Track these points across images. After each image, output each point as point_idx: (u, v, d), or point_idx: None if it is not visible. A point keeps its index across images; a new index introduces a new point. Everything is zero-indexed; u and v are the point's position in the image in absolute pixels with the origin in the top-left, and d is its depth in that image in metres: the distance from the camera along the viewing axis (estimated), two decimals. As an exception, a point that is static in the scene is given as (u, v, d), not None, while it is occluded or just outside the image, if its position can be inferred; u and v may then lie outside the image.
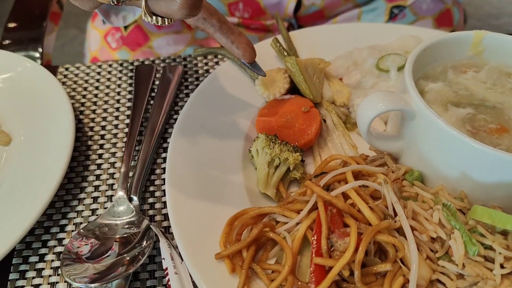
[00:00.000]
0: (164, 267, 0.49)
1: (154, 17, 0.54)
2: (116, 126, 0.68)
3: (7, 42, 0.92)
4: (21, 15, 1.05)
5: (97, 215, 0.57)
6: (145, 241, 0.49)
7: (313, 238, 0.43)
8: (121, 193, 0.56)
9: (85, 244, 0.50)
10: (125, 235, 0.49)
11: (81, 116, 0.71)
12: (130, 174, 0.59)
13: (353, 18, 1.14)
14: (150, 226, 0.51)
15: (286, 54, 0.67)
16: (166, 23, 0.55)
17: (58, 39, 1.17)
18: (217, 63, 0.78)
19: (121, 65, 0.79)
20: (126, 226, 0.51)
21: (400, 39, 0.74)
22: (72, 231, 0.55)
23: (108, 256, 0.47)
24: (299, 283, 0.43)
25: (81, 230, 0.52)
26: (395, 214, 0.46)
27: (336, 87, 0.63)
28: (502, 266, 0.41)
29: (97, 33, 1.14)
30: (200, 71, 0.77)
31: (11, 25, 0.97)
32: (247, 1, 1.06)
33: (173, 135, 0.59)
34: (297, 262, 0.45)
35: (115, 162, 0.63)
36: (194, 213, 0.51)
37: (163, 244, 0.50)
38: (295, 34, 0.75)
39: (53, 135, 0.61)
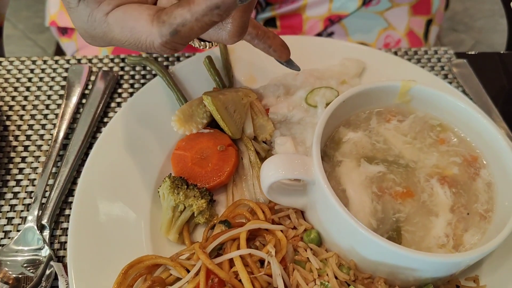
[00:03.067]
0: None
1: (202, 43, 0.56)
2: (41, 137, 0.68)
3: None
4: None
5: (9, 237, 0.58)
6: (44, 281, 0.51)
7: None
8: (31, 224, 0.56)
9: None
10: (20, 276, 0.51)
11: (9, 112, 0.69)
12: (47, 194, 0.60)
13: (325, 0, 1.09)
14: (51, 263, 0.53)
15: (217, 77, 0.65)
16: (213, 46, 0.57)
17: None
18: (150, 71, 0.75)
19: (56, 62, 0.76)
20: (26, 264, 0.52)
21: (343, 63, 0.71)
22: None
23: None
24: None
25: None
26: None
27: (260, 121, 0.61)
28: None
29: None
30: (137, 76, 0.74)
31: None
32: None
33: (88, 161, 0.58)
34: (177, 323, 0.47)
35: (35, 179, 0.63)
36: (93, 255, 0.52)
37: (61, 283, 0.52)
38: (235, 46, 0.72)
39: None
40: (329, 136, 0.57)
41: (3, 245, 0.56)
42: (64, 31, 1.07)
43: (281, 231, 0.52)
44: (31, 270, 0.52)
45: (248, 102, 0.61)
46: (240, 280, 0.46)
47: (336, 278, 0.48)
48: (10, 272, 0.51)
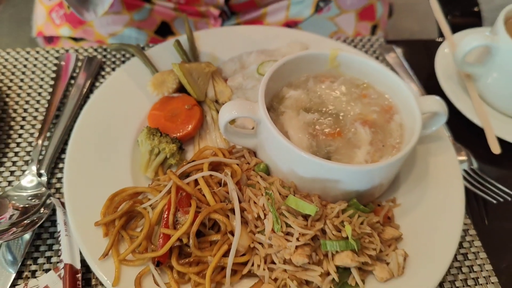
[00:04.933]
0: (58, 230, 0.63)
1: None
2: (36, 110, 0.80)
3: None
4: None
5: (12, 185, 0.70)
6: (43, 209, 0.63)
7: (164, 214, 0.57)
8: (33, 168, 0.69)
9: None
10: (27, 205, 0.63)
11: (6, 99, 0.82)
12: (43, 152, 0.72)
13: (283, 9, 1.24)
14: (50, 197, 0.64)
15: (185, 56, 0.79)
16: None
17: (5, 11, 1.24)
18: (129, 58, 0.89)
19: (47, 52, 0.89)
20: (30, 198, 0.64)
21: (289, 45, 0.86)
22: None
23: (10, 219, 0.61)
24: (152, 246, 0.58)
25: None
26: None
27: (220, 87, 0.75)
28: (298, 240, 0.56)
29: (43, 8, 1.21)
30: (118, 62, 0.88)
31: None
32: None
33: (78, 120, 0.71)
34: (153, 231, 0.59)
35: (32, 141, 0.76)
36: (85, 189, 0.64)
37: (59, 212, 0.63)
38: (200, 34, 0.87)
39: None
40: (274, 94, 0.71)
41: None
42: (50, 39, 1.20)
43: (237, 164, 0.65)
44: (35, 201, 0.63)
45: (209, 72, 0.75)
46: (203, 195, 0.59)
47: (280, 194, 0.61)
48: (18, 204, 0.63)
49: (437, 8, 0.96)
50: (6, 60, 0.87)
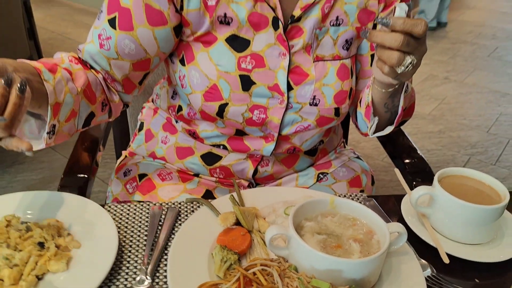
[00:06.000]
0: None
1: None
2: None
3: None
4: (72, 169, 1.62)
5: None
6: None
7: (237, 292, 0.94)
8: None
9: None
10: None
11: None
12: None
13: (293, 179, 1.67)
14: None
15: (237, 204, 1.24)
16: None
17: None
18: (198, 207, 1.33)
19: (141, 205, 1.33)
20: None
21: (302, 197, 1.31)
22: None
23: None
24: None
25: None
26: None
27: (261, 222, 1.17)
28: (319, 305, 0.91)
29: (119, 182, 1.68)
30: (189, 210, 1.31)
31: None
32: (223, 168, 1.50)
33: (173, 242, 1.11)
34: (229, 304, 0.94)
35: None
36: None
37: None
38: (246, 192, 1.32)
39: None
40: (297, 224, 1.12)
41: None
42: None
43: (278, 266, 1.03)
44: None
45: (254, 212, 1.18)
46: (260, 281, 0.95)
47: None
48: None
49: (401, 177, 1.43)
50: (116, 211, 1.31)
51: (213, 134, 1.43)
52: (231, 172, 1.53)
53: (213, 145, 1.48)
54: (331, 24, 1.27)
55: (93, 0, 7.50)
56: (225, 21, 1.20)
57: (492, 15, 8.45)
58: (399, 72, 1.00)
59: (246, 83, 1.24)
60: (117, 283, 1.01)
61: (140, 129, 1.70)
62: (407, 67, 0.97)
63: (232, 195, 1.26)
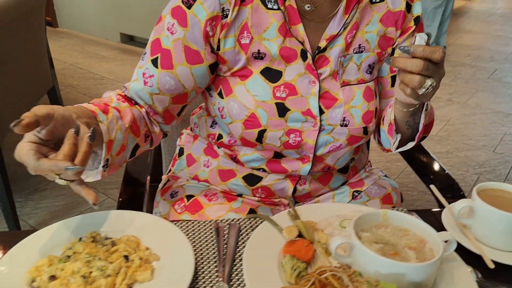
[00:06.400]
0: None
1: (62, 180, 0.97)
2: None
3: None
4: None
5: None
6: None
7: (313, 294, 1.04)
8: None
9: None
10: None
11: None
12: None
13: (329, 197, 1.78)
14: None
15: (295, 218, 1.35)
16: (69, 182, 0.98)
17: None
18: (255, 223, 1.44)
19: (203, 222, 1.45)
20: None
21: (352, 211, 1.43)
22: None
23: None
24: (309, 313, 1.03)
25: None
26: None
27: (320, 234, 1.29)
28: (390, 304, 1.02)
29: (167, 204, 1.79)
30: (248, 226, 1.43)
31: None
32: (264, 188, 1.59)
33: (244, 254, 1.22)
34: (307, 305, 1.05)
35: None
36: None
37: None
38: (300, 208, 1.44)
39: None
40: (356, 235, 1.24)
41: None
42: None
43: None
44: None
45: (313, 226, 1.30)
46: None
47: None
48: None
49: (438, 193, 1.55)
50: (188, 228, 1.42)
51: (253, 157, 1.52)
52: (271, 192, 1.62)
53: (253, 169, 1.56)
54: (354, 51, 1.39)
55: (102, 31, 7.72)
56: (259, 56, 1.33)
57: (488, 38, 8.75)
58: (420, 93, 1.11)
59: (282, 110, 1.35)
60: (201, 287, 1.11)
61: (180, 154, 1.79)
62: (427, 89, 1.08)
63: (289, 211, 1.37)
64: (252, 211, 1.66)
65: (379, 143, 1.63)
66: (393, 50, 1.46)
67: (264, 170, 1.56)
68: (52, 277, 1.04)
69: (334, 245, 1.16)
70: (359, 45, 1.39)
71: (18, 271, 1.06)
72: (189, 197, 1.68)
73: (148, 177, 1.91)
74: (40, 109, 0.93)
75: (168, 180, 1.83)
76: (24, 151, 0.94)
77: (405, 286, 1.10)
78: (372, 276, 1.12)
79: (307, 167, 1.51)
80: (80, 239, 1.21)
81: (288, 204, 1.43)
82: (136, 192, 1.77)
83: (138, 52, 7.15)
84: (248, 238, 1.32)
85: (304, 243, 1.24)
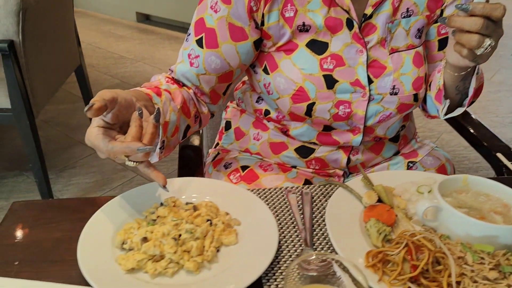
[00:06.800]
0: None
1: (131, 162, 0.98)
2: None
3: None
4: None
5: (292, 258, 1.16)
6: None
7: (408, 257, 1.03)
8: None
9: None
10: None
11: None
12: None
13: (384, 167, 1.77)
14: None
15: (371, 184, 1.34)
16: (137, 164, 0.99)
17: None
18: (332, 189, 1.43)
19: (269, 190, 1.43)
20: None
21: (425, 178, 1.40)
22: None
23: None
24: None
25: None
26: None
27: (398, 200, 1.28)
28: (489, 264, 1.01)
29: (222, 174, 1.78)
30: (321, 192, 1.42)
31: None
32: (317, 159, 1.58)
33: (326, 214, 1.21)
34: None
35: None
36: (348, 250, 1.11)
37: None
38: (371, 175, 1.42)
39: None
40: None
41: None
42: None
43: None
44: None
45: (391, 190, 1.28)
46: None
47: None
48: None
49: (506, 161, 1.53)
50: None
51: (302, 130, 1.51)
52: (325, 163, 1.61)
53: (304, 142, 1.55)
54: (402, 16, 1.34)
55: (117, 11, 7.66)
56: (304, 29, 1.31)
57: (509, 14, 8.56)
58: (478, 54, 1.07)
59: (330, 82, 1.33)
60: (285, 252, 1.11)
61: (227, 127, 1.78)
62: (486, 48, 1.04)
63: (364, 177, 1.36)
64: (307, 182, 1.65)
65: (423, 109, 1.60)
66: (442, 11, 1.40)
67: (315, 143, 1.52)
68: (144, 239, 1.03)
69: (421, 208, 1.14)
70: (407, 8, 1.34)
71: (105, 235, 1.06)
72: (244, 167, 1.67)
73: (204, 151, 1.90)
74: (106, 93, 0.94)
75: (218, 153, 1.82)
76: (94, 135, 0.95)
77: (497, 249, 1.08)
78: (462, 239, 1.11)
79: (358, 138, 1.50)
80: (161, 204, 1.20)
81: (361, 171, 1.42)
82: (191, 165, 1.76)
83: (155, 31, 7.14)
84: (322, 205, 1.31)
85: (385, 208, 1.23)
